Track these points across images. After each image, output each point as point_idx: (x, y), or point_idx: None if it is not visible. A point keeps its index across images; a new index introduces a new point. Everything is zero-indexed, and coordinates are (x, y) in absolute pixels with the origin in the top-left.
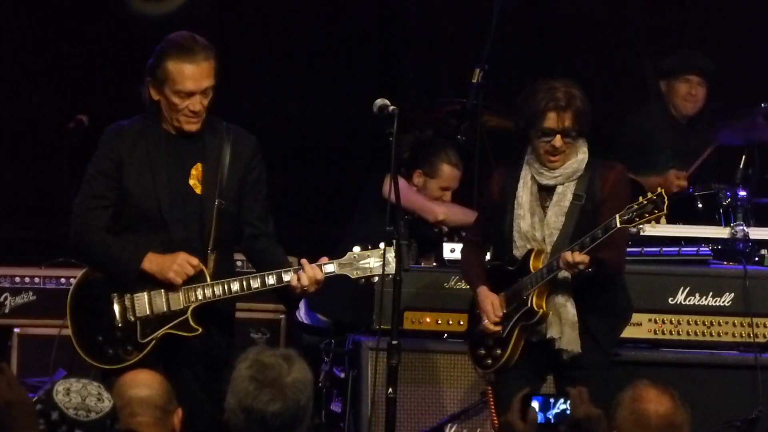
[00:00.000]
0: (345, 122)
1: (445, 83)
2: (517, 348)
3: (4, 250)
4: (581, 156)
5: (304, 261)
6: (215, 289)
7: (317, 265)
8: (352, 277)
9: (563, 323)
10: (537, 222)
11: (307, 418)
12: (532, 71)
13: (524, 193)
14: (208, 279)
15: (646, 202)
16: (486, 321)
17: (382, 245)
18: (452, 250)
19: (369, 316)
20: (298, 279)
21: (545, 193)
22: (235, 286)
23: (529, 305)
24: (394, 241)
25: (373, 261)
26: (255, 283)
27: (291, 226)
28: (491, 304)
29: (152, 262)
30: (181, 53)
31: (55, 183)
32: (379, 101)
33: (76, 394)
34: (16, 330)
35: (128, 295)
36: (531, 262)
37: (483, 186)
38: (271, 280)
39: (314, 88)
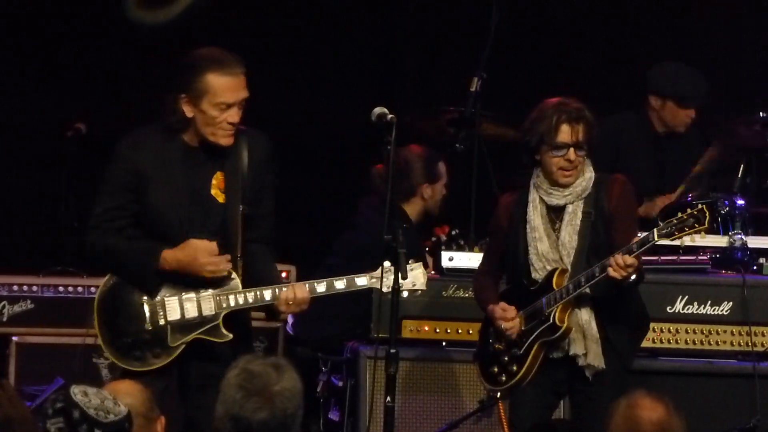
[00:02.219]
0: (343, 130)
1: (444, 92)
2: (534, 365)
3: (2, 259)
4: (589, 174)
5: (298, 284)
6: (248, 297)
7: (348, 278)
8: (384, 291)
9: (587, 339)
10: (552, 243)
11: (296, 427)
12: (530, 80)
13: (535, 216)
14: (240, 286)
15: (686, 216)
16: (501, 322)
17: (411, 261)
18: (450, 259)
19: (367, 325)
20: (286, 299)
21: (554, 214)
22: (268, 295)
23: (551, 321)
24: (393, 251)
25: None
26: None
27: (287, 232)
28: (500, 309)
29: (170, 261)
30: (220, 66)
31: (53, 191)
32: (377, 110)
33: (94, 396)
34: (14, 338)
35: (160, 299)
36: (555, 281)
37: (479, 193)
38: (321, 287)
39: (312, 96)
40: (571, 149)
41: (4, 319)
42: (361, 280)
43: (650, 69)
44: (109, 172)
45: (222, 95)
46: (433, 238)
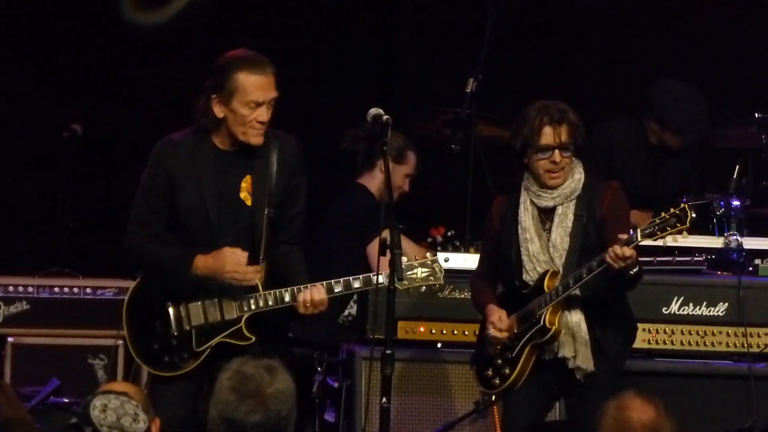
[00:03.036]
0: (341, 130)
1: (440, 93)
2: (526, 368)
3: None
4: (578, 176)
5: (316, 286)
6: (268, 299)
7: (364, 276)
8: (401, 288)
9: (577, 342)
10: (543, 244)
11: (290, 429)
12: (526, 81)
13: (526, 217)
14: (261, 289)
15: (668, 216)
16: (491, 330)
17: (428, 254)
18: (446, 260)
19: (363, 326)
20: (304, 301)
21: (545, 215)
22: (287, 296)
23: (541, 323)
24: (389, 251)
25: (420, 271)
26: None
27: None
28: (498, 316)
29: (201, 267)
30: (251, 65)
31: (50, 192)
32: (373, 110)
33: (113, 412)
34: (10, 339)
35: (183, 304)
36: (546, 283)
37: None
38: (338, 288)
39: (311, 96)
40: (556, 151)
41: (0, 320)
42: (379, 278)
43: (650, 88)
44: (144, 176)
45: (252, 94)
46: (429, 239)
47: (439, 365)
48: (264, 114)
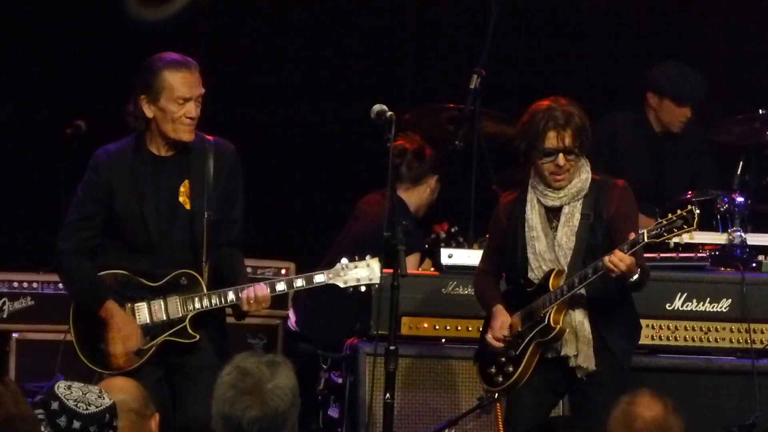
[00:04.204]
0: (342, 127)
1: (443, 89)
2: (530, 366)
3: (2, 256)
4: (584, 175)
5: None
6: (212, 299)
7: (306, 276)
8: (342, 286)
9: (579, 341)
10: (549, 243)
11: (289, 425)
12: (529, 77)
13: (533, 215)
14: (205, 289)
15: (675, 218)
16: (489, 335)
17: (368, 257)
18: (450, 256)
19: (367, 322)
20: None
21: (551, 214)
22: (231, 295)
23: (546, 322)
24: (392, 247)
25: (360, 271)
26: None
27: (287, 229)
28: (500, 322)
29: (107, 311)
30: (176, 64)
31: (53, 188)
32: (377, 107)
33: (78, 389)
34: (15, 335)
35: (129, 305)
36: (551, 281)
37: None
38: (280, 286)
39: (312, 92)
40: (560, 155)
41: (5, 315)
42: (319, 277)
43: (650, 67)
44: (81, 185)
45: (179, 90)
46: (433, 236)
47: (443, 361)
48: (192, 110)
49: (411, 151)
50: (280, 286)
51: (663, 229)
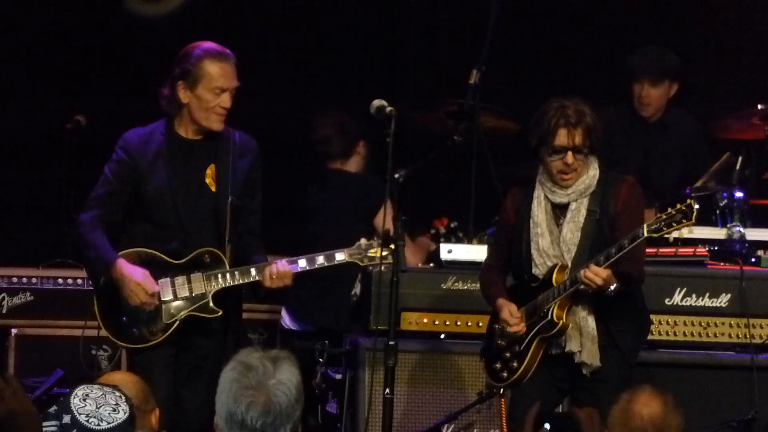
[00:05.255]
0: None
1: (443, 84)
2: (534, 361)
3: (1, 250)
4: (593, 172)
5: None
6: (235, 274)
7: (327, 254)
8: (361, 264)
9: (583, 337)
10: (554, 240)
11: (292, 420)
12: (529, 72)
13: (539, 212)
14: (227, 266)
15: (674, 212)
16: (506, 326)
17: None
18: (449, 251)
19: (366, 317)
20: (269, 275)
21: (558, 210)
22: (254, 271)
23: (549, 317)
24: (392, 242)
25: (380, 251)
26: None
27: (287, 224)
28: (508, 311)
29: (117, 270)
30: (217, 55)
31: (53, 183)
32: (377, 102)
33: (93, 401)
34: (14, 330)
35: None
36: (554, 277)
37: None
38: (302, 262)
39: (312, 87)
40: (569, 153)
41: (4, 311)
42: (340, 255)
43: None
44: (109, 163)
45: (217, 80)
46: (432, 231)
47: (443, 356)
48: (227, 100)
49: (332, 130)
50: (302, 263)
51: (662, 223)
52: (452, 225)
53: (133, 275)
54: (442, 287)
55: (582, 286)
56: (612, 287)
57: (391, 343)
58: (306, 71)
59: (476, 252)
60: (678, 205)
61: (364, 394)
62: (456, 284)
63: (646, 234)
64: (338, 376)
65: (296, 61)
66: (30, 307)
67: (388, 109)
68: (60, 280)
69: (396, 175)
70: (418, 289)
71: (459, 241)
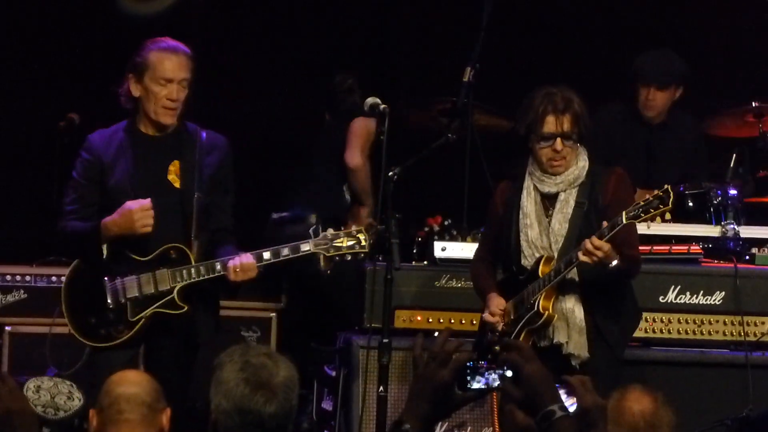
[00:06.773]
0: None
1: (436, 82)
2: None
3: None
4: (582, 163)
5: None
6: (201, 269)
7: (292, 245)
8: (328, 255)
9: (570, 328)
10: (542, 230)
11: (294, 416)
12: (523, 70)
13: (528, 202)
14: (193, 261)
15: (651, 198)
16: (486, 314)
17: (354, 227)
18: (443, 249)
19: (360, 315)
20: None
21: (548, 201)
22: (218, 266)
23: (535, 308)
24: (386, 240)
25: (345, 240)
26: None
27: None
28: (495, 303)
29: (112, 228)
30: (166, 47)
31: (46, 182)
32: (371, 99)
33: (46, 392)
34: (8, 328)
35: (119, 279)
36: (540, 268)
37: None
38: (266, 255)
39: (304, 85)
40: (558, 139)
41: None
42: (305, 246)
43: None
44: (75, 165)
45: (162, 70)
46: (426, 228)
47: None
48: (174, 92)
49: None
50: (266, 255)
51: (640, 209)
52: (446, 223)
53: (124, 210)
54: (435, 285)
55: (582, 257)
56: (613, 263)
57: (385, 341)
58: (297, 68)
59: (470, 250)
60: (656, 191)
61: (358, 392)
62: (450, 282)
63: (625, 221)
64: (333, 374)
65: (289, 59)
66: (23, 305)
67: (382, 106)
68: (54, 278)
69: (390, 173)
70: (411, 287)
71: (453, 238)
